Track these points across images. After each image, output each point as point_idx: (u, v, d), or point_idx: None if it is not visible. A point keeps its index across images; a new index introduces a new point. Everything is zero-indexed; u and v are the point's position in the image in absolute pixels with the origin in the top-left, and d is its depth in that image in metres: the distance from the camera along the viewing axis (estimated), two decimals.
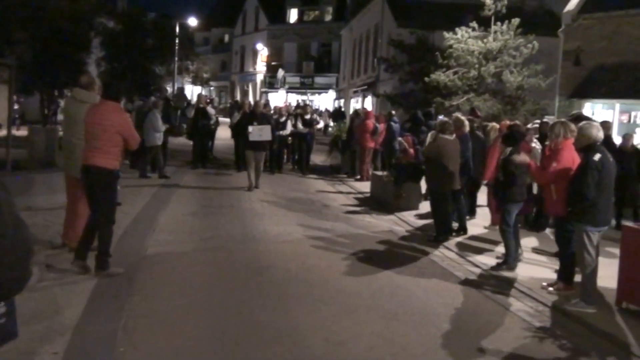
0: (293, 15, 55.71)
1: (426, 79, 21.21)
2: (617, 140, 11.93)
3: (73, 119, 7.88)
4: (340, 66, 47.89)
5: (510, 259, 8.13)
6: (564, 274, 7.27)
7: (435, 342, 5.60)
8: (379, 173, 14.77)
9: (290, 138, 18.11)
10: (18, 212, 2.47)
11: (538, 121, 12.20)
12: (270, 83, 53.52)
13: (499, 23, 20.48)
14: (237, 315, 6.03)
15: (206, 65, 58.72)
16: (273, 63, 54.11)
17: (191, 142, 18.73)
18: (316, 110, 31.67)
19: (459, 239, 10.05)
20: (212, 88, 68.76)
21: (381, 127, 16.87)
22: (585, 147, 6.68)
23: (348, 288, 7.13)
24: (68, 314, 5.69)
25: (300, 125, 17.82)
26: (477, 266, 8.42)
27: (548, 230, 10.22)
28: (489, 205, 11.01)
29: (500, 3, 19.82)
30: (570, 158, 7.08)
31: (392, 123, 16.90)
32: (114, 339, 5.22)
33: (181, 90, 40.34)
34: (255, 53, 59.12)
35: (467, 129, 10.95)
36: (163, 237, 9.23)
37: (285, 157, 19.35)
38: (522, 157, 7.88)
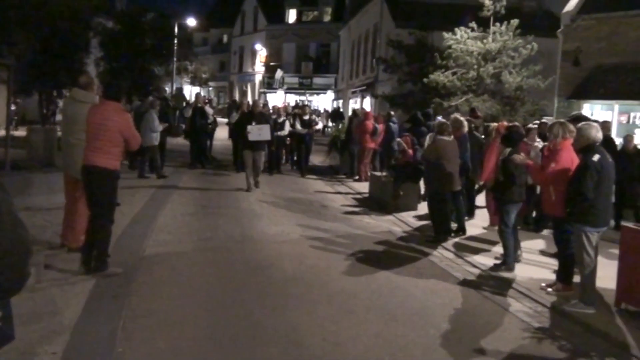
0: (292, 15, 55.75)
1: (425, 79, 21.21)
2: (616, 141, 11.93)
3: (72, 119, 7.87)
4: (339, 67, 47.93)
5: (509, 260, 8.12)
6: (563, 275, 7.27)
7: (434, 342, 5.60)
8: (378, 174, 14.78)
9: (288, 139, 18.04)
10: (17, 213, 2.46)
11: (537, 122, 12.20)
12: (269, 83, 53.57)
13: (497, 24, 20.49)
14: (235, 316, 6.02)
15: (205, 65, 58.83)
16: (272, 63, 54.15)
17: (189, 143, 18.73)
18: (315, 111, 31.68)
19: (458, 239, 10.05)
20: (210, 88, 68.78)
21: (380, 127, 16.87)
22: (584, 147, 6.68)
23: (347, 288, 7.13)
24: (67, 314, 5.68)
25: (298, 126, 17.76)
26: (475, 267, 8.42)
27: (546, 231, 10.24)
28: (488, 206, 11.02)
29: (499, 4, 19.83)
30: (569, 159, 7.08)
31: (391, 123, 16.90)
32: (113, 339, 5.22)
33: (180, 90, 40.38)
34: (254, 53, 59.17)
35: (466, 129, 10.97)
36: (162, 237, 9.22)
37: (283, 157, 19.32)
38: (521, 158, 7.88)
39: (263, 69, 56.12)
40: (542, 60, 20.91)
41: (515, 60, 20.35)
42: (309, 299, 6.69)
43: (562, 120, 8.09)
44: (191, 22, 43.16)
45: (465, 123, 11.00)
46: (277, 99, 48.56)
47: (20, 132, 17.16)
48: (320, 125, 26.75)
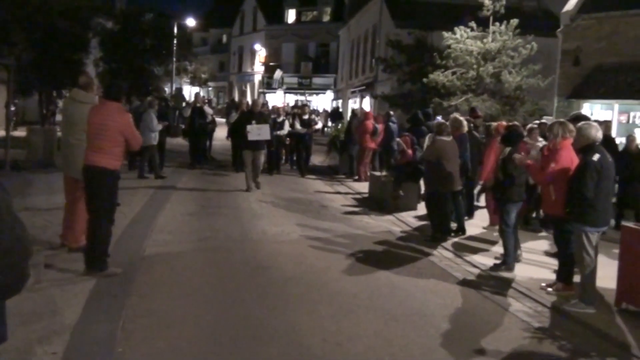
0: (291, 15, 55.74)
1: (424, 79, 21.20)
2: (617, 140, 11.94)
3: (72, 120, 7.88)
4: (338, 67, 47.92)
5: (509, 260, 8.13)
6: (563, 275, 7.27)
7: (434, 342, 5.60)
8: (378, 173, 14.77)
9: (288, 138, 18.00)
10: (16, 213, 2.46)
11: (537, 121, 12.20)
12: (268, 83, 53.54)
13: (497, 23, 20.47)
14: (235, 316, 6.02)
15: (204, 65, 58.78)
16: (271, 63, 54.12)
17: (188, 143, 18.71)
18: (314, 111, 31.70)
19: (458, 239, 10.05)
20: (210, 88, 68.75)
21: (380, 127, 16.87)
22: (584, 147, 6.68)
23: (346, 288, 7.13)
24: (67, 314, 5.68)
25: (298, 126, 17.74)
26: (475, 267, 8.42)
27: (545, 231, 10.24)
28: (487, 205, 11.03)
29: (498, 3, 19.81)
30: (569, 158, 7.08)
31: (391, 123, 16.89)
32: (113, 339, 5.22)
33: (179, 90, 40.35)
34: (253, 53, 59.16)
35: (466, 129, 10.98)
36: (161, 237, 9.22)
37: (283, 157, 19.29)
38: (521, 158, 7.88)
39: (262, 69, 56.11)
40: (541, 60, 20.89)
41: (514, 59, 20.33)
42: (308, 298, 6.69)
43: (562, 119, 8.09)
44: (190, 22, 43.12)
45: (465, 123, 11.01)
46: (277, 99, 48.54)
47: (20, 133, 17.15)
48: (319, 125, 26.73)
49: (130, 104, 17.46)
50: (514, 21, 20.27)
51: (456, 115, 12.00)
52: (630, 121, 15.14)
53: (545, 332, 6.05)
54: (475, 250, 9.32)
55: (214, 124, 20.11)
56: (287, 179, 16.99)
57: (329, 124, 37.06)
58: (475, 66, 20.50)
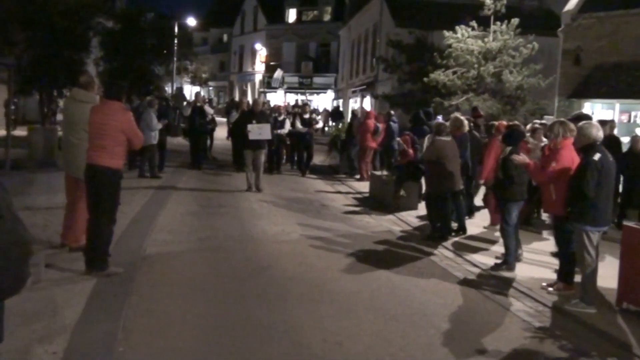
0: (292, 15, 55.72)
1: (425, 79, 21.18)
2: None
3: (72, 119, 7.89)
4: (339, 66, 47.91)
5: (510, 259, 8.12)
6: (564, 274, 7.27)
7: (434, 342, 5.59)
8: (378, 173, 14.77)
9: (288, 138, 17.97)
10: (16, 212, 2.46)
11: (537, 121, 12.19)
12: (269, 83, 53.53)
13: (498, 23, 20.46)
14: (235, 315, 6.02)
15: (205, 65, 58.71)
16: (272, 63, 54.13)
17: (189, 142, 18.69)
18: (315, 111, 31.70)
19: (458, 239, 10.04)
20: (210, 88, 68.75)
21: (381, 127, 16.87)
22: (585, 146, 6.67)
23: (347, 288, 7.12)
24: (67, 314, 5.67)
25: (298, 125, 17.71)
26: (476, 266, 8.41)
27: (546, 231, 10.23)
28: (488, 205, 11.02)
29: (499, 3, 19.79)
30: (570, 158, 7.07)
31: (391, 123, 16.89)
32: (113, 339, 5.21)
33: (180, 90, 40.33)
34: (253, 53, 59.16)
35: (466, 129, 10.98)
36: (162, 237, 9.22)
37: (284, 157, 19.25)
38: (521, 158, 7.88)
39: (263, 68, 56.10)
40: (542, 59, 20.89)
41: (515, 59, 20.31)
42: (309, 298, 6.68)
43: (562, 119, 8.08)
44: (191, 21, 43.16)
45: (466, 122, 11.01)
46: (277, 98, 48.54)
47: (21, 132, 17.15)
48: (320, 124, 26.72)
49: (130, 103, 17.45)
50: (515, 20, 20.27)
51: (457, 114, 12.00)
52: (631, 121, 15.11)
53: (546, 331, 6.04)
54: (476, 250, 9.31)
55: (214, 123, 20.09)
56: (287, 179, 16.99)
57: (330, 123, 37.04)
58: (476, 66, 20.48)
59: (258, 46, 56.56)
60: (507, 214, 8.08)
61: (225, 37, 69.63)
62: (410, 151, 12.33)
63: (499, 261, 8.31)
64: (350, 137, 18.28)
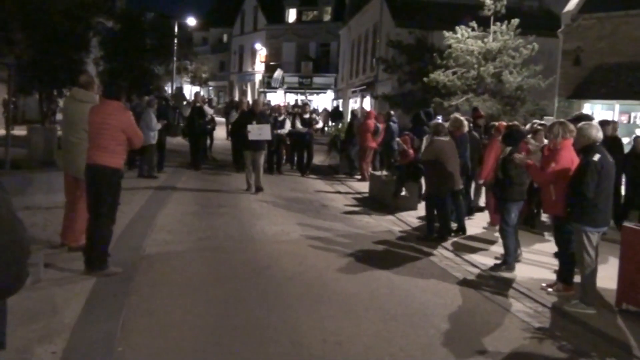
0: (292, 15, 55.72)
1: (425, 79, 21.18)
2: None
3: (72, 119, 7.89)
4: (339, 66, 47.90)
5: (509, 259, 8.12)
6: (564, 275, 7.27)
7: (434, 342, 5.59)
8: (378, 173, 14.77)
9: (288, 138, 17.94)
10: (15, 212, 2.46)
11: (537, 121, 12.19)
12: (269, 83, 53.53)
13: (498, 23, 20.45)
14: (235, 315, 6.02)
15: (205, 65, 58.73)
16: (271, 63, 54.13)
17: (188, 142, 18.67)
18: (314, 111, 31.65)
19: (458, 239, 10.04)
20: (210, 88, 68.75)
21: (381, 127, 16.87)
22: (585, 147, 6.67)
23: (346, 288, 7.12)
24: (66, 314, 5.67)
25: (298, 125, 17.68)
26: (475, 266, 8.41)
27: (546, 232, 10.23)
28: (487, 205, 11.02)
29: (499, 3, 19.79)
30: (569, 158, 7.08)
31: (391, 123, 16.89)
32: (113, 339, 5.21)
33: (180, 90, 40.35)
34: (253, 53, 59.16)
35: (466, 129, 10.99)
36: (161, 236, 9.22)
37: (284, 157, 19.22)
38: (521, 158, 7.88)
39: (263, 68, 56.10)
40: (542, 60, 20.89)
41: (515, 59, 20.31)
42: (308, 298, 6.68)
43: (562, 120, 8.08)
44: (191, 21, 43.22)
45: (465, 122, 11.02)
46: (277, 98, 48.52)
47: (21, 131, 17.13)
48: (320, 124, 26.67)
49: (130, 103, 17.45)
50: (515, 21, 20.26)
51: (457, 115, 12.00)
52: (631, 121, 15.12)
53: (545, 332, 6.05)
54: (476, 250, 9.31)
55: (213, 123, 20.07)
56: (287, 179, 16.98)
57: (330, 123, 37.04)
58: (476, 66, 20.49)
59: (258, 46, 56.57)
60: (507, 214, 8.08)
61: (225, 37, 69.64)
62: (411, 151, 12.33)
63: (498, 262, 8.31)
64: (350, 137, 18.28)
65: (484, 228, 10.81)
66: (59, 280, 6.64)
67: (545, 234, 10.23)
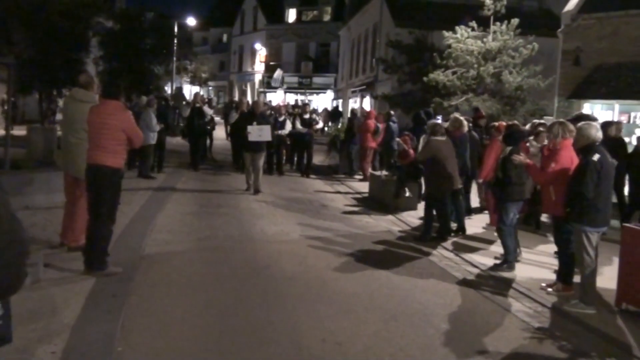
0: (291, 15, 55.71)
1: (425, 78, 21.17)
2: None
3: (72, 119, 7.88)
4: (339, 66, 47.89)
5: (509, 259, 8.12)
6: (563, 275, 7.27)
7: (434, 342, 5.59)
8: (378, 173, 14.76)
9: (288, 138, 17.91)
10: (14, 212, 2.45)
11: (537, 121, 12.18)
12: (269, 83, 53.53)
13: (498, 23, 20.44)
14: (234, 315, 6.02)
15: (204, 65, 58.72)
16: (271, 63, 54.12)
17: (188, 142, 18.66)
18: (314, 111, 31.63)
19: (457, 239, 10.04)
20: (210, 88, 68.76)
21: (381, 126, 16.87)
22: (584, 147, 6.67)
23: (346, 288, 7.12)
24: (66, 314, 5.67)
25: (298, 125, 17.65)
26: (475, 266, 8.41)
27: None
28: (488, 204, 11.01)
29: (499, 3, 19.77)
30: (569, 158, 7.08)
31: (391, 123, 16.89)
32: (112, 339, 5.21)
33: (179, 90, 40.33)
34: (253, 53, 59.16)
35: (466, 129, 10.99)
36: (161, 236, 9.22)
37: (284, 158, 19.18)
38: (521, 158, 7.88)
39: (263, 68, 56.10)
40: (542, 60, 20.86)
41: (515, 59, 20.30)
42: (308, 298, 6.68)
43: (562, 120, 8.08)
44: (191, 21, 43.18)
45: (465, 122, 11.02)
46: (277, 98, 48.50)
47: (20, 131, 17.13)
48: (320, 125, 26.64)
49: (130, 102, 17.44)
50: (515, 21, 20.24)
51: (456, 115, 12.00)
52: (631, 121, 15.10)
53: (545, 332, 6.04)
54: (475, 250, 9.32)
55: (213, 123, 20.04)
56: (287, 179, 16.98)
57: (330, 123, 37.04)
58: (475, 66, 20.47)
59: (258, 46, 56.57)
60: (505, 214, 8.08)
61: (225, 37, 69.64)
62: (411, 151, 12.33)
63: (498, 261, 8.31)
64: (350, 136, 18.27)
65: (484, 228, 10.81)
66: (59, 280, 6.64)
67: (549, 234, 10.21)
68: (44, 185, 10.69)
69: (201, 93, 35.54)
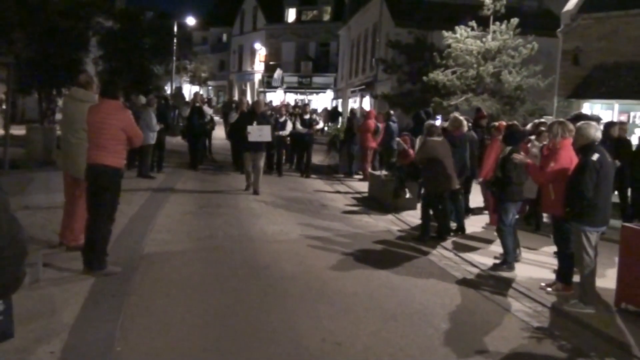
0: (291, 15, 55.69)
1: (424, 78, 21.16)
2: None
3: (71, 118, 7.88)
4: (338, 66, 47.87)
5: (509, 259, 8.12)
6: (563, 274, 7.27)
7: (433, 342, 5.59)
8: (377, 173, 14.76)
9: (288, 138, 17.89)
10: (12, 212, 2.45)
11: (538, 120, 12.19)
12: (269, 82, 53.52)
13: (497, 23, 20.43)
14: (234, 315, 6.01)
15: (204, 64, 58.75)
16: (271, 63, 54.11)
17: (187, 142, 18.65)
18: (315, 111, 31.61)
19: (457, 238, 10.04)
20: (210, 87, 68.76)
21: (381, 126, 16.87)
22: (584, 147, 6.67)
23: (346, 288, 7.12)
24: (65, 314, 5.66)
25: (299, 125, 17.62)
26: (475, 266, 8.41)
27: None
28: (487, 204, 11.01)
29: (499, 3, 19.76)
30: (569, 158, 7.08)
31: (391, 123, 16.89)
32: (111, 339, 5.20)
33: (179, 89, 40.35)
34: (253, 52, 59.14)
35: (466, 128, 10.99)
36: (160, 236, 9.21)
37: (283, 158, 19.15)
38: (521, 157, 7.88)
39: (262, 68, 56.08)
40: (541, 59, 20.85)
41: (515, 59, 20.28)
42: (308, 298, 6.68)
43: (561, 119, 8.08)
44: (190, 21, 43.20)
45: (465, 122, 11.01)
46: (277, 98, 48.47)
47: (20, 131, 17.12)
48: (320, 125, 26.59)
49: (129, 102, 17.41)
50: (514, 21, 20.22)
51: (456, 114, 12.00)
52: (631, 121, 15.11)
53: (544, 332, 6.04)
54: (475, 250, 9.33)
55: (212, 123, 20.02)
56: (286, 179, 16.98)
57: (330, 123, 37.03)
58: (475, 66, 20.46)
59: (257, 46, 56.55)
60: (504, 214, 8.09)
61: (224, 37, 69.64)
62: (411, 151, 12.34)
63: (497, 261, 8.31)
64: (350, 136, 18.25)
65: (483, 227, 10.81)
66: (58, 280, 6.63)
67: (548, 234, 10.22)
68: (43, 185, 10.68)
69: (201, 92, 35.54)
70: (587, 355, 5.52)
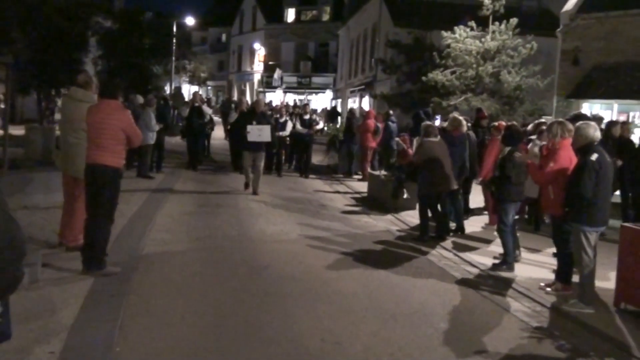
0: (290, 14, 55.66)
1: (424, 78, 21.17)
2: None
3: (70, 118, 7.87)
4: (338, 66, 47.85)
5: (508, 259, 8.12)
6: (562, 274, 7.27)
7: (433, 342, 5.59)
8: (377, 173, 14.76)
9: (288, 139, 17.88)
10: (10, 212, 2.45)
11: (538, 120, 12.18)
12: (268, 83, 53.49)
13: (497, 23, 20.43)
14: (233, 315, 6.01)
15: (203, 64, 58.73)
16: (270, 63, 54.08)
17: (186, 142, 18.64)
18: (315, 111, 31.57)
19: (456, 238, 10.04)
20: (209, 87, 68.74)
21: (381, 126, 16.87)
22: (583, 147, 6.67)
23: (345, 288, 7.12)
24: (64, 314, 5.66)
25: (298, 126, 17.60)
26: (474, 266, 8.41)
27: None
28: (487, 204, 11.01)
29: (498, 3, 19.76)
30: (568, 158, 7.08)
31: (390, 123, 16.89)
32: (111, 339, 5.20)
33: (178, 89, 40.31)
34: (252, 52, 59.09)
35: (465, 128, 10.98)
36: (160, 236, 9.21)
37: (283, 158, 19.12)
38: (522, 157, 7.88)
39: (262, 68, 56.04)
40: (541, 59, 20.86)
41: (514, 59, 20.29)
42: (307, 298, 6.68)
43: (560, 119, 8.08)
44: (190, 21, 43.14)
45: (464, 122, 11.01)
46: (276, 98, 48.44)
47: (18, 131, 17.12)
48: (320, 125, 26.55)
49: (128, 102, 17.38)
50: (514, 20, 20.22)
51: (455, 114, 11.99)
52: (630, 121, 15.10)
53: (544, 332, 6.04)
54: (474, 250, 9.32)
55: (212, 123, 20.00)
56: (286, 179, 16.97)
57: (329, 124, 37.00)
58: (474, 65, 20.46)
59: (257, 46, 56.52)
60: (504, 214, 8.09)
61: (224, 37, 69.58)
62: (410, 151, 12.32)
63: (497, 261, 8.31)
64: (350, 135, 18.23)
65: (483, 228, 10.81)
66: (57, 280, 6.62)
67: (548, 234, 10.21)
68: (42, 185, 10.67)
69: (200, 92, 35.52)
70: (587, 355, 5.52)
